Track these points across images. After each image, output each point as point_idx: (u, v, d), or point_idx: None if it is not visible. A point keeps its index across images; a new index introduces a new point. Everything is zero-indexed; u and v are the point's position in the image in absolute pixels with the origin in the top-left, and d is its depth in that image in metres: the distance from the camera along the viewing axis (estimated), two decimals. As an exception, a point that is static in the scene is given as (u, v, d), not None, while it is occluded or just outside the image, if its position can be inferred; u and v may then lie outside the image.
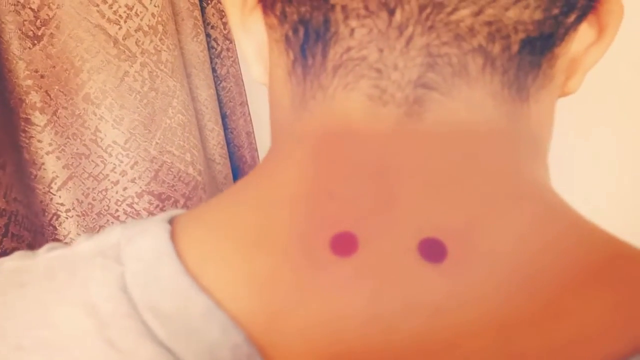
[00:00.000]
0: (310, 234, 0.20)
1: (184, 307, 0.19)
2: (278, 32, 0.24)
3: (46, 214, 0.60)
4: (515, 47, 0.22)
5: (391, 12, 0.21)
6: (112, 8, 0.59)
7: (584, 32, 0.25)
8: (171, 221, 0.23)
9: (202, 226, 0.22)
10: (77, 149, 0.60)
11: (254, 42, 0.27)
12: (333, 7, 0.22)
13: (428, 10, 0.21)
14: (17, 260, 0.24)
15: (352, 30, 0.22)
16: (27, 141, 0.58)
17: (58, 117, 0.59)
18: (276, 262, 0.20)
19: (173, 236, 0.22)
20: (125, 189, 0.63)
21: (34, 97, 0.57)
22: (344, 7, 0.21)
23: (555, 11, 0.22)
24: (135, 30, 0.60)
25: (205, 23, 0.70)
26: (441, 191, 0.21)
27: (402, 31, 0.21)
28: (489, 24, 0.21)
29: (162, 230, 0.22)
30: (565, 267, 0.19)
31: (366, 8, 0.21)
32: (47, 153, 0.59)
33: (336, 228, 0.20)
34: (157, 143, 0.64)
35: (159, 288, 0.20)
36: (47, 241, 0.60)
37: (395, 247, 0.19)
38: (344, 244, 0.19)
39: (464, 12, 0.21)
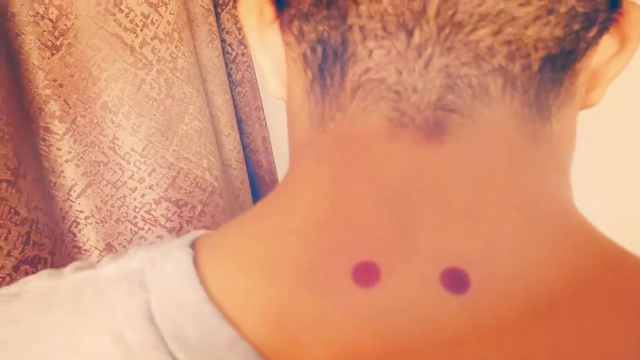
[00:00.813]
0: (332, 263, 0.20)
1: (209, 336, 0.19)
2: (296, 51, 0.24)
3: (66, 221, 0.61)
4: (536, 66, 0.21)
5: (409, 33, 0.21)
6: (128, 17, 0.59)
7: (606, 44, 0.24)
8: (192, 245, 0.23)
9: (224, 252, 0.22)
10: (95, 157, 0.61)
11: (271, 56, 0.26)
12: (350, 27, 0.21)
13: (447, 30, 0.20)
14: (45, 279, 0.24)
15: (371, 52, 0.21)
16: (47, 149, 0.59)
17: (77, 126, 0.59)
18: (298, 291, 0.20)
19: (195, 261, 0.22)
20: (143, 195, 0.63)
21: (53, 106, 0.58)
22: (361, 28, 0.21)
23: (576, 27, 0.22)
24: (152, 38, 0.60)
25: (220, 29, 0.70)
26: (462, 216, 0.20)
27: (421, 52, 0.21)
28: (508, 42, 0.21)
29: (185, 255, 0.22)
30: (588, 294, 0.19)
31: (384, 29, 0.21)
32: (66, 161, 0.59)
33: (357, 257, 0.20)
34: (174, 150, 0.64)
35: (184, 316, 0.20)
36: (67, 248, 0.61)
37: (417, 276, 0.19)
38: (366, 274, 0.19)
39: (483, 32, 0.20)
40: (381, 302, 0.19)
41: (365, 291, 0.19)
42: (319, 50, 0.23)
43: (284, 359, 0.19)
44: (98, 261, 0.25)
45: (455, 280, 0.19)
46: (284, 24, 0.25)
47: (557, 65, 0.22)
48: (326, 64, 0.23)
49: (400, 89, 0.21)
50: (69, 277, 0.24)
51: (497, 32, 0.21)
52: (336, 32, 0.22)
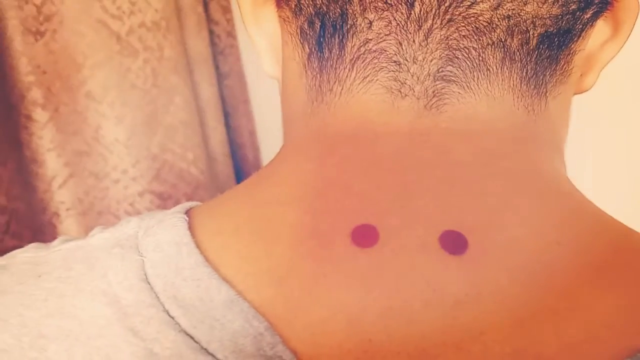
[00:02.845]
0: (331, 226, 0.20)
1: (206, 296, 0.19)
2: (293, 25, 0.24)
3: (47, 212, 0.60)
4: (533, 42, 0.22)
5: (410, 5, 0.21)
6: (115, 4, 0.58)
7: (600, 29, 0.25)
8: (187, 213, 0.23)
9: (220, 218, 0.22)
10: (78, 147, 0.60)
11: (266, 35, 0.27)
12: None
13: (447, 3, 0.21)
14: (32, 251, 0.24)
15: (370, 23, 0.21)
16: (28, 138, 0.58)
17: (60, 114, 0.58)
18: (296, 254, 0.20)
19: (191, 227, 0.21)
20: (126, 187, 0.62)
21: (36, 94, 0.57)
22: (361, 0, 0.21)
23: (573, 7, 0.22)
24: (138, 26, 0.60)
25: (209, 19, 0.69)
26: (461, 185, 0.20)
27: (421, 24, 0.21)
28: (507, 18, 0.21)
29: (180, 221, 0.22)
30: (584, 261, 0.19)
31: (384, 1, 0.21)
32: (48, 150, 0.58)
33: (357, 221, 0.20)
34: (158, 141, 0.63)
35: (180, 278, 0.20)
36: (47, 239, 0.60)
37: (417, 239, 0.19)
38: (364, 236, 0.19)
39: (483, 6, 0.21)
40: (380, 262, 0.19)
41: (363, 252, 0.19)
42: (317, 23, 0.23)
43: (282, 318, 0.19)
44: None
45: (454, 242, 0.19)
46: (281, 0, 0.25)
47: (554, 43, 0.22)
48: (324, 37, 0.23)
49: (400, 59, 0.21)
50: (58, 247, 0.23)
51: (496, 7, 0.21)
52: (335, 5, 0.22)
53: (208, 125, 0.69)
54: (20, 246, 0.25)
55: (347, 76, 0.22)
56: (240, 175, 0.75)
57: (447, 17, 0.21)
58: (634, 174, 0.63)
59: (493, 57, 0.21)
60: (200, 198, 0.67)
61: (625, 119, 0.62)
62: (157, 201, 0.64)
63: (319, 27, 0.23)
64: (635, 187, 0.64)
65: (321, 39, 0.23)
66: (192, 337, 0.19)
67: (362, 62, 0.22)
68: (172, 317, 0.19)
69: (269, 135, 0.77)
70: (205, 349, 0.18)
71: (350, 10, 0.22)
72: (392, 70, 0.22)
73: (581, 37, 0.23)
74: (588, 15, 0.23)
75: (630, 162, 0.64)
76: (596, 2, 0.23)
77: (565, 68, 0.23)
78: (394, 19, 0.21)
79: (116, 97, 0.60)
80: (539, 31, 0.22)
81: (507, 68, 0.22)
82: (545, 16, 0.21)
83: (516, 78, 0.22)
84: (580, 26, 0.23)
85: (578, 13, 0.22)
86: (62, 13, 0.56)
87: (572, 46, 0.23)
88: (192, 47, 0.66)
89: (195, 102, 0.67)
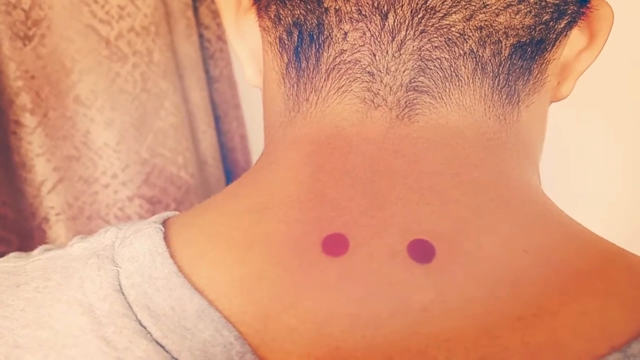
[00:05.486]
0: (302, 235, 0.20)
1: (178, 306, 0.19)
2: (272, 35, 0.25)
3: (36, 217, 0.59)
4: (506, 52, 0.22)
5: (384, 16, 0.21)
6: (104, 8, 0.58)
7: (575, 38, 0.25)
8: (164, 223, 0.23)
9: (195, 228, 0.22)
10: (67, 152, 0.60)
11: (247, 44, 0.27)
12: (327, 10, 0.22)
13: (420, 14, 0.21)
14: (12, 261, 0.24)
15: (345, 34, 0.22)
16: (17, 143, 0.58)
17: (48, 119, 0.58)
18: (268, 262, 0.20)
19: (166, 237, 0.22)
20: (116, 192, 0.62)
21: (24, 99, 0.56)
22: (337, 11, 0.22)
23: (546, 17, 0.22)
24: (127, 31, 0.59)
25: (199, 24, 0.69)
26: (431, 194, 0.21)
27: (395, 35, 0.21)
28: (479, 28, 0.21)
29: (156, 231, 0.22)
30: (551, 268, 0.19)
31: (359, 12, 0.21)
32: (37, 155, 0.58)
33: (327, 230, 0.20)
34: (148, 145, 0.63)
35: (153, 288, 0.20)
36: (36, 245, 0.60)
37: (385, 247, 0.20)
38: (335, 245, 0.20)
39: (455, 17, 0.21)
40: (349, 271, 0.19)
41: (333, 261, 0.19)
42: (295, 33, 0.23)
43: (253, 327, 0.19)
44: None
45: (421, 250, 0.19)
46: (261, 10, 0.25)
47: (527, 53, 0.23)
48: (302, 47, 0.23)
49: (373, 70, 0.22)
50: (38, 257, 0.23)
51: (468, 18, 0.21)
52: (312, 15, 0.22)
53: (198, 130, 0.69)
54: (8, 253, 0.26)
55: (322, 86, 0.23)
56: (231, 179, 0.75)
57: (420, 28, 0.21)
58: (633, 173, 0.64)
59: (465, 67, 0.22)
60: (191, 202, 0.67)
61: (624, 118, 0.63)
62: (146, 205, 0.64)
63: (296, 37, 0.23)
64: (635, 187, 0.64)
65: (298, 49, 0.23)
66: (163, 347, 0.19)
67: (337, 73, 0.22)
68: (144, 327, 0.19)
69: (260, 139, 0.77)
70: (176, 359, 0.19)
71: (327, 21, 0.22)
72: (366, 81, 0.22)
73: (555, 47, 0.24)
74: (561, 25, 0.23)
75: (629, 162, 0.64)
76: (569, 12, 0.23)
77: (539, 77, 0.24)
78: (368, 30, 0.21)
79: (105, 101, 0.60)
80: (511, 41, 0.22)
81: (478, 78, 0.22)
82: (518, 27, 0.22)
83: (487, 88, 0.22)
84: (554, 36, 0.23)
85: (551, 23, 0.23)
86: (50, 18, 0.56)
87: (546, 56, 0.23)
88: (181, 52, 0.66)
89: (186, 106, 0.67)
